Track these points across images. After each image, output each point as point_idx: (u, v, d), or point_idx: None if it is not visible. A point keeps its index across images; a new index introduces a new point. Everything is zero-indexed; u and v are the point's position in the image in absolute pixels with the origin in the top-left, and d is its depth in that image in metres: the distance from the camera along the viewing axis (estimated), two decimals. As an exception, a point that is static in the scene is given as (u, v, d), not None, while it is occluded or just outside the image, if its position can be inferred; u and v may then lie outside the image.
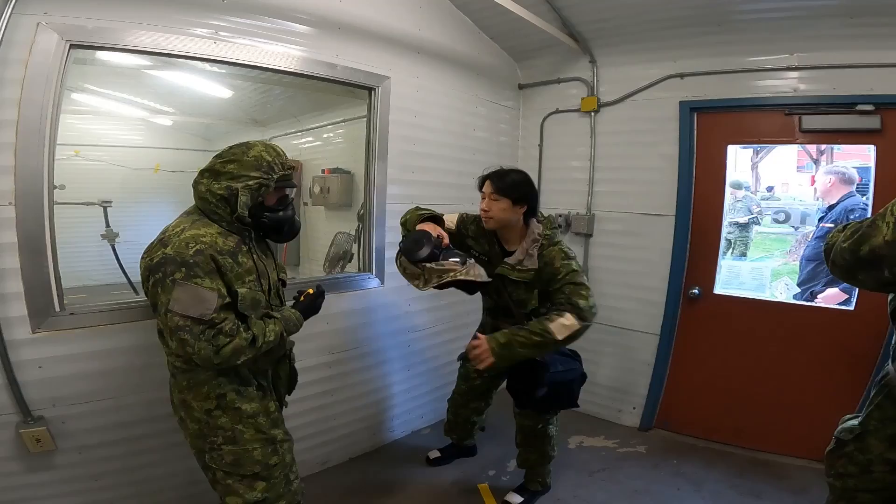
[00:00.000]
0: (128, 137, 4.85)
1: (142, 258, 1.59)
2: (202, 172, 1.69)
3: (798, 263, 3.12)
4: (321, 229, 4.17)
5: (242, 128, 4.78)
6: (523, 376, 2.35)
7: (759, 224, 3.70)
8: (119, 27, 2.02)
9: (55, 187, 1.98)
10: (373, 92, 2.90)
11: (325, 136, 4.35)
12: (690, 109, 3.17)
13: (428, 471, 3.00)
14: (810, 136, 2.96)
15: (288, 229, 1.88)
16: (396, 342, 3.20)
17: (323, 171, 4.03)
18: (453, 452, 3.08)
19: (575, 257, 2.27)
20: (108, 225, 3.82)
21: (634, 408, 3.55)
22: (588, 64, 3.53)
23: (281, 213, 1.80)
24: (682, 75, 3.18)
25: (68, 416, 2.02)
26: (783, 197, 3.22)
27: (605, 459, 3.17)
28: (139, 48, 2.09)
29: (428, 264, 2.15)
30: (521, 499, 2.66)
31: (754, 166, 3.29)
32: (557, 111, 3.72)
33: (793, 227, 3.20)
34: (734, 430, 3.24)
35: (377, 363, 3.12)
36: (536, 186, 3.72)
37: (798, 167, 3.15)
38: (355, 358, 2.99)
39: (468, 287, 2.30)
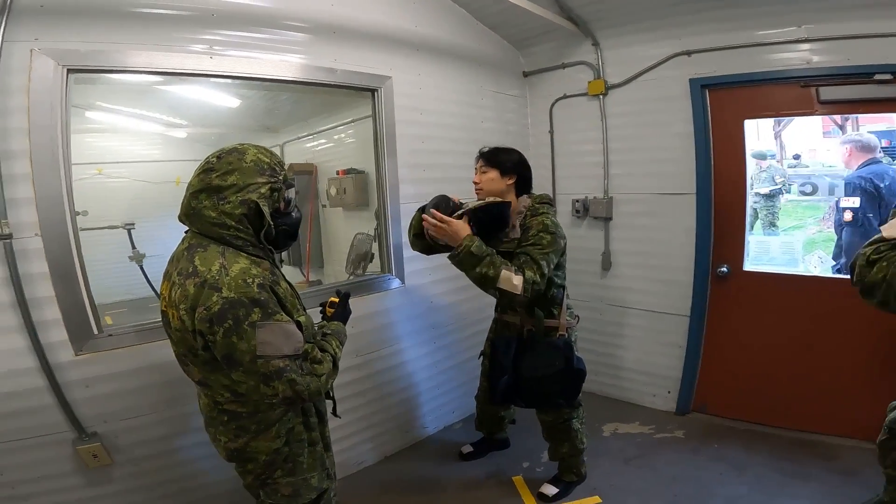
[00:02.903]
0: (147, 152, 4.98)
1: (184, 309, 1.42)
2: (196, 195, 1.48)
3: (833, 231, 3.01)
4: (341, 230, 4.25)
5: (253, 135, 4.84)
6: (494, 372, 2.51)
7: (788, 192, 3.59)
8: (113, 49, 2.05)
9: (78, 213, 2.03)
10: (375, 93, 2.94)
11: (336, 137, 4.39)
12: (701, 86, 3.14)
13: (462, 466, 3.06)
14: (831, 107, 2.91)
15: (296, 231, 1.75)
16: (421, 340, 3.27)
17: (337, 172, 4.06)
18: (486, 446, 3.14)
19: (556, 232, 2.29)
20: (133, 247, 3.92)
21: (669, 392, 3.54)
22: (591, 47, 3.51)
23: (294, 214, 1.68)
24: (688, 53, 3.14)
25: (119, 430, 2.14)
26: (811, 164, 3.11)
27: (642, 446, 3.17)
28: (136, 69, 2.12)
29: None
30: (556, 490, 2.70)
31: (777, 135, 3.21)
32: (565, 96, 3.71)
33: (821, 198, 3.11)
34: (776, 411, 3.20)
35: (404, 362, 3.20)
36: (550, 172, 3.84)
37: (824, 132, 3.05)
38: (382, 358, 3.07)
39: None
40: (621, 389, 3.73)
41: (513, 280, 2.17)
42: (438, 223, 2.22)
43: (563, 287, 2.48)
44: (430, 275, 3.17)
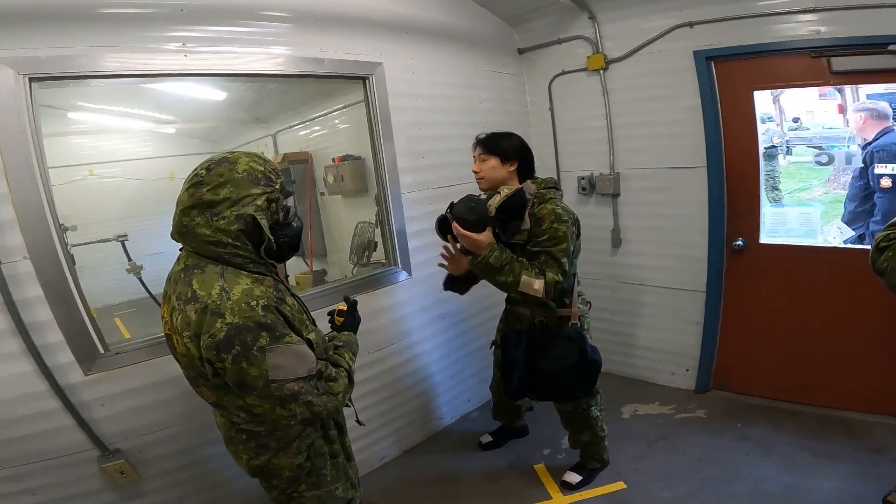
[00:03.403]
0: (138, 150, 4.89)
1: (188, 336, 1.34)
2: (187, 211, 1.36)
3: (843, 192, 2.93)
4: (343, 217, 4.19)
5: (244, 127, 4.71)
6: (507, 368, 2.46)
7: (790, 154, 3.48)
8: (79, 53, 1.92)
9: (66, 228, 1.92)
10: (367, 81, 2.82)
11: (330, 123, 4.24)
12: (706, 58, 3.02)
13: (482, 456, 3.04)
14: (843, 78, 2.78)
15: (298, 242, 1.64)
16: (433, 331, 3.21)
17: (333, 159, 3.96)
18: (505, 435, 3.11)
19: (568, 220, 2.21)
20: (129, 258, 3.78)
21: (688, 370, 3.49)
22: (588, 21, 3.36)
23: (295, 224, 1.57)
24: (691, 24, 3.01)
25: (143, 445, 2.13)
26: (811, 126, 2.99)
27: (663, 427, 3.12)
28: (104, 72, 1.98)
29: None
30: (579, 478, 2.67)
31: (776, 99, 3.08)
32: (564, 72, 3.58)
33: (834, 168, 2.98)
34: (801, 388, 3.13)
35: (417, 354, 3.15)
36: (553, 150, 3.73)
37: (820, 94, 2.93)
38: (395, 353, 3.02)
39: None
40: (638, 368, 3.69)
41: (533, 285, 2.12)
42: (461, 237, 2.12)
43: (575, 275, 2.39)
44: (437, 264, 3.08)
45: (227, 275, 1.36)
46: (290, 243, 1.56)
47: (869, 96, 2.83)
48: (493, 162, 2.27)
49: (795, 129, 3.54)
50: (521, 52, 3.72)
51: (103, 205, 4.61)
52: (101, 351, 1.98)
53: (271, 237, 1.40)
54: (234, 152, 1.45)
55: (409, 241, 2.96)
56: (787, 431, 2.90)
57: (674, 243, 3.35)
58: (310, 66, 2.57)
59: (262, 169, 1.42)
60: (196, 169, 1.41)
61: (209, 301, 1.30)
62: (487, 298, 3.35)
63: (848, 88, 2.84)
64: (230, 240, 1.36)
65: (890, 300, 2.66)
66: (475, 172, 2.33)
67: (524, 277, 2.11)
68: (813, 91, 2.94)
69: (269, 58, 2.44)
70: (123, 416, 2.06)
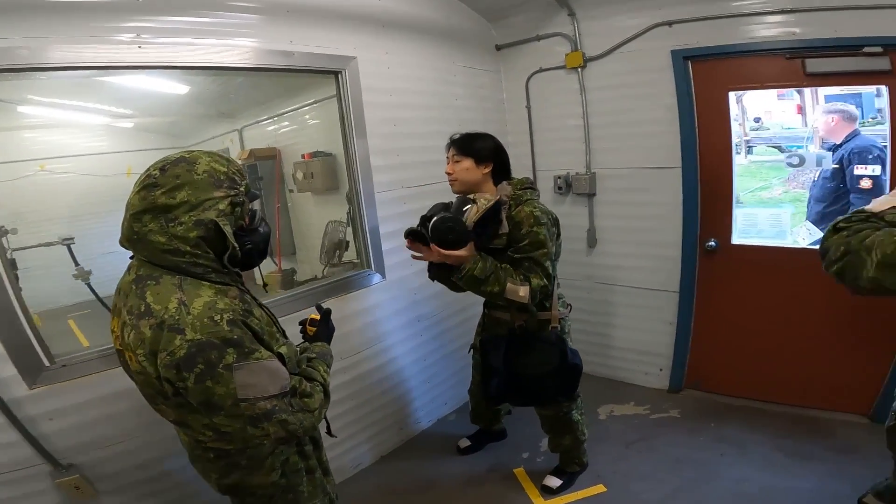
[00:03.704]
0: (92, 145, 4.58)
1: (143, 354, 1.19)
2: (138, 216, 1.21)
3: (803, 192, 2.96)
4: (313, 215, 4.02)
5: (208, 122, 4.48)
6: (486, 374, 2.39)
7: (750, 153, 3.51)
8: (20, 44, 1.74)
9: (7, 232, 1.73)
10: (339, 75, 2.68)
11: (300, 119, 4.07)
12: (683, 58, 2.99)
13: (461, 460, 2.96)
14: (817, 80, 2.79)
15: (265, 248, 1.50)
16: (408, 334, 3.11)
17: (303, 155, 3.79)
18: (483, 438, 3.04)
19: (547, 222, 2.15)
20: (76, 263, 3.41)
21: (661, 369, 3.50)
22: (567, 17, 3.29)
23: (262, 229, 1.44)
24: (669, 23, 2.98)
25: (99, 460, 1.98)
26: (771, 126, 3.01)
27: (640, 428, 3.11)
28: (49, 65, 1.81)
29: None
30: (559, 482, 2.63)
31: (739, 99, 3.09)
32: (541, 70, 3.51)
33: (805, 168, 3.00)
34: (771, 386, 3.16)
35: (392, 358, 3.04)
36: (529, 148, 3.66)
37: (779, 95, 2.94)
38: (369, 358, 2.90)
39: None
40: (613, 369, 3.68)
41: (519, 292, 2.06)
42: (442, 256, 2.02)
43: (555, 277, 2.32)
44: (411, 266, 2.94)
45: (185, 286, 1.22)
46: (256, 250, 1.42)
47: (827, 98, 2.87)
48: (468, 163, 2.18)
49: (757, 129, 3.58)
50: (498, 48, 3.64)
51: (54, 201, 4.33)
52: (47, 363, 1.81)
53: (236, 244, 1.27)
54: (192, 151, 1.30)
55: (383, 242, 2.85)
56: (759, 431, 2.92)
57: (648, 244, 3.33)
58: (278, 60, 2.41)
59: (225, 170, 1.29)
60: (149, 169, 1.26)
61: (166, 316, 1.17)
62: (463, 300, 3.26)
63: (807, 90, 2.88)
64: (189, 248, 1.23)
65: (855, 302, 2.66)
66: (448, 174, 2.24)
67: (509, 285, 2.06)
68: (772, 91, 2.98)
69: (233, 50, 2.27)
70: (76, 430, 1.89)
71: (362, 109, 2.73)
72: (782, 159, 2.99)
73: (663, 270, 3.30)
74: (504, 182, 2.23)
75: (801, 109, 2.87)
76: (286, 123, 4.22)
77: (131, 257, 1.33)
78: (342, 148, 2.78)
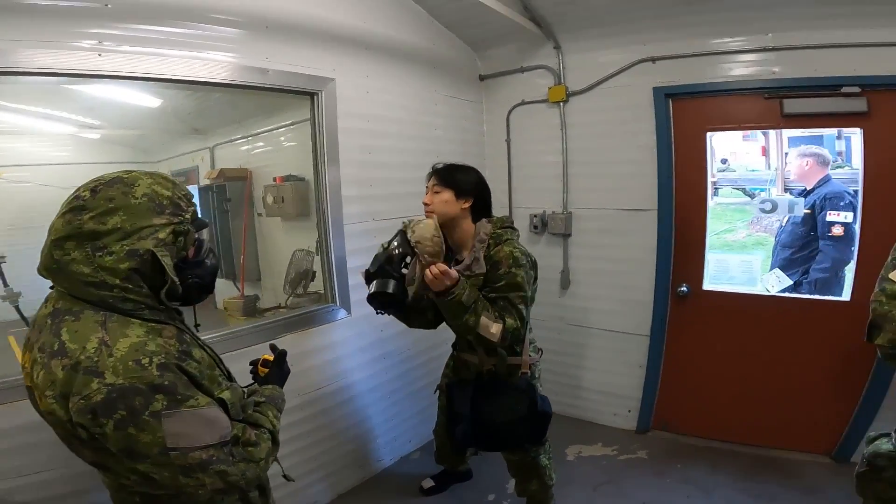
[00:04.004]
0: (56, 154, 4.31)
1: (53, 397, 1.01)
2: (59, 242, 1.05)
3: (766, 235, 2.94)
4: (281, 241, 3.79)
5: (178, 138, 4.27)
6: (451, 421, 2.23)
7: (717, 195, 3.49)
8: None
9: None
10: (315, 97, 2.52)
11: (275, 140, 3.90)
12: (665, 95, 2.92)
13: (424, 501, 2.75)
14: (793, 121, 2.75)
15: (212, 282, 1.32)
16: (372, 371, 2.89)
17: (275, 179, 3.61)
18: (448, 479, 2.83)
19: (526, 264, 1.99)
20: (6, 284, 3.07)
21: (630, 410, 3.36)
22: (553, 50, 3.21)
23: (209, 262, 1.27)
24: (653, 59, 2.92)
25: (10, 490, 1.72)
26: (737, 167, 2.99)
27: (608, 470, 2.96)
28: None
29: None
30: None
31: (709, 139, 3.06)
32: (523, 102, 3.39)
33: (777, 215, 2.96)
34: (737, 428, 3.08)
35: (354, 396, 2.82)
36: (507, 185, 3.52)
37: (744, 136, 2.92)
38: (329, 395, 2.67)
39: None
40: (582, 409, 3.51)
41: (490, 328, 1.89)
42: (439, 275, 1.84)
43: (528, 322, 2.17)
44: None
45: (110, 324, 1.05)
46: (201, 284, 1.24)
47: (791, 140, 2.83)
48: (447, 195, 2.01)
49: (724, 171, 3.56)
50: (482, 78, 3.52)
51: (12, 214, 4.05)
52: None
53: (175, 278, 1.10)
54: (131, 172, 1.14)
55: (350, 276, 2.64)
56: (725, 472, 2.85)
57: (621, 287, 3.21)
58: (252, 77, 2.25)
59: (169, 194, 1.13)
60: (77, 190, 1.10)
61: (82, 357, 0.99)
62: (432, 336, 3.06)
63: (772, 132, 2.86)
64: (118, 281, 1.06)
65: (819, 347, 2.78)
66: (425, 204, 2.06)
67: (483, 319, 1.89)
68: (739, 132, 2.96)
69: (203, 64, 2.10)
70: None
71: (337, 135, 2.56)
72: (747, 201, 2.96)
73: (635, 315, 3.18)
74: (484, 220, 2.07)
75: (765, 151, 2.87)
76: (261, 144, 4.04)
77: (51, 287, 1.13)
78: (313, 175, 2.60)
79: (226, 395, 1.19)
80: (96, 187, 1.08)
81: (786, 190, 2.90)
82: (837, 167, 2.77)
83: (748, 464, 2.90)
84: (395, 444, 3.11)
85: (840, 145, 2.75)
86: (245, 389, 1.44)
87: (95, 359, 0.99)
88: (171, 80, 2.04)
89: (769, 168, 2.88)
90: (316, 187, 2.57)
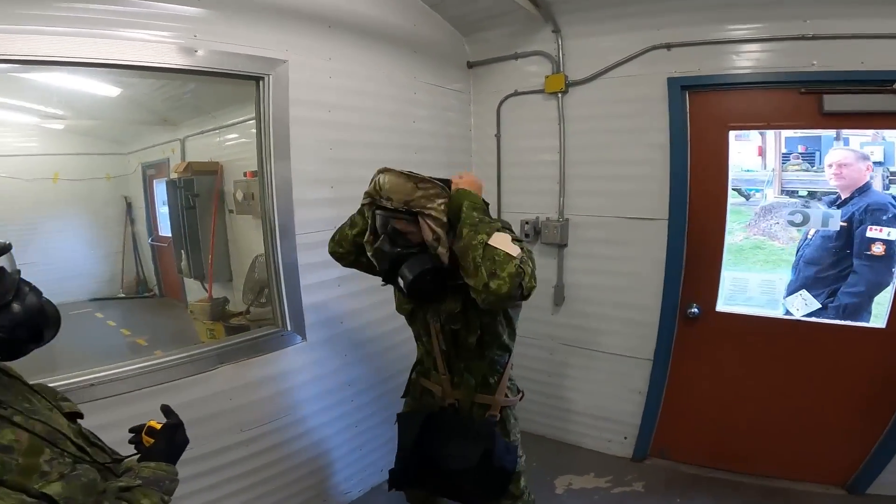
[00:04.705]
0: (20, 145, 3.89)
1: None
2: None
3: (763, 238, 2.46)
4: (252, 240, 3.31)
5: (146, 129, 3.81)
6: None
7: None
8: None
9: None
10: (261, 82, 1.99)
11: (249, 132, 3.43)
12: (681, 88, 2.37)
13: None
14: (835, 120, 2.20)
15: (44, 323, 0.96)
16: (335, 400, 2.37)
17: (245, 174, 3.16)
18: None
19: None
20: None
21: (626, 437, 2.85)
22: (551, 34, 2.63)
23: (16, 307, 0.91)
24: (668, 46, 2.36)
25: None
26: (731, 168, 2.51)
27: (601, 505, 2.47)
28: None
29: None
30: None
31: (731, 140, 2.57)
32: (516, 93, 2.82)
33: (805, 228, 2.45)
34: (743, 457, 2.65)
35: (314, 427, 2.31)
36: (496, 186, 2.93)
37: (737, 136, 2.43)
38: (282, 429, 2.17)
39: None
40: (574, 434, 2.99)
41: (509, 241, 1.36)
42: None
43: (510, 351, 1.67)
44: (341, 323, 2.26)
45: None
46: (15, 336, 0.90)
47: (788, 141, 2.36)
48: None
49: None
50: (470, 65, 2.94)
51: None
52: None
53: None
54: None
55: (305, 296, 2.13)
56: None
57: (623, 305, 2.67)
58: (173, 58, 1.73)
59: None
60: None
61: None
62: (407, 359, 2.62)
63: (770, 133, 2.37)
64: None
65: (846, 374, 2.37)
66: None
67: (497, 235, 1.37)
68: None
69: (106, 44, 1.60)
70: None
71: (287, 125, 2.03)
72: (742, 202, 2.45)
73: (636, 337, 2.65)
74: None
75: (761, 151, 2.43)
76: (234, 136, 3.57)
77: None
78: (257, 172, 2.06)
79: (53, 488, 0.84)
80: None
81: (783, 192, 2.42)
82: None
83: (754, 495, 2.54)
84: (364, 475, 2.61)
85: (837, 146, 2.28)
86: (125, 459, 1.10)
87: None
88: (51, 62, 1.54)
89: (765, 168, 2.41)
90: (261, 189, 2.03)
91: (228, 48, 1.89)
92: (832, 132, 2.25)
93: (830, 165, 2.30)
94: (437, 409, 1.72)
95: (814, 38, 2.12)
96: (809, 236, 2.41)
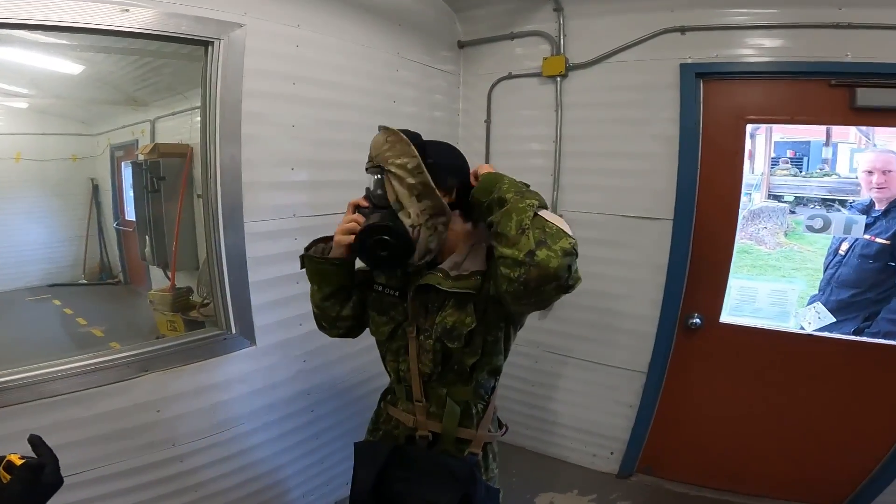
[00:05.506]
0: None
1: None
2: None
3: (750, 243, 2.15)
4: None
5: (114, 109, 3.43)
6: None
7: None
8: None
9: None
10: (210, 47, 1.59)
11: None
12: (696, 75, 2.01)
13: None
14: (867, 117, 1.87)
15: None
16: (292, 411, 1.99)
17: (216, 157, 2.76)
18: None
19: None
20: None
21: (612, 453, 2.51)
22: (552, 13, 2.25)
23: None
24: (682, 30, 2.01)
25: None
26: None
27: (583, 526, 2.10)
28: None
29: None
30: None
31: (748, 134, 2.24)
32: (510, 76, 2.43)
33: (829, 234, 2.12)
34: (735, 476, 2.38)
35: (268, 440, 1.93)
36: None
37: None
38: (221, 444, 1.78)
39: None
40: (557, 447, 2.64)
41: (563, 221, 1.04)
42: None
43: (498, 375, 1.32)
44: (300, 325, 1.87)
45: None
46: None
47: (777, 146, 2.08)
48: None
49: None
50: (461, 45, 2.55)
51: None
52: None
53: None
54: None
55: (254, 296, 1.74)
56: None
57: (617, 313, 2.31)
58: (98, 17, 1.35)
59: None
60: None
61: None
62: (369, 367, 2.27)
63: (760, 136, 2.05)
64: None
65: (859, 393, 2.11)
66: None
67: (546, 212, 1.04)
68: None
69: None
70: None
71: (240, 97, 1.63)
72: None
73: (630, 347, 2.30)
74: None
75: (751, 154, 2.11)
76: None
77: None
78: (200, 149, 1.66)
79: None
80: None
81: (770, 196, 2.13)
82: (825, 175, 2.04)
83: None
84: (328, 489, 2.25)
85: (826, 152, 2.03)
86: None
87: None
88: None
89: (752, 172, 2.10)
90: (202, 170, 1.63)
91: (169, 8, 1.51)
92: (821, 136, 2.00)
93: (871, 172, 1.94)
94: (402, 442, 1.37)
95: (849, 26, 1.76)
96: (842, 254, 2.08)
